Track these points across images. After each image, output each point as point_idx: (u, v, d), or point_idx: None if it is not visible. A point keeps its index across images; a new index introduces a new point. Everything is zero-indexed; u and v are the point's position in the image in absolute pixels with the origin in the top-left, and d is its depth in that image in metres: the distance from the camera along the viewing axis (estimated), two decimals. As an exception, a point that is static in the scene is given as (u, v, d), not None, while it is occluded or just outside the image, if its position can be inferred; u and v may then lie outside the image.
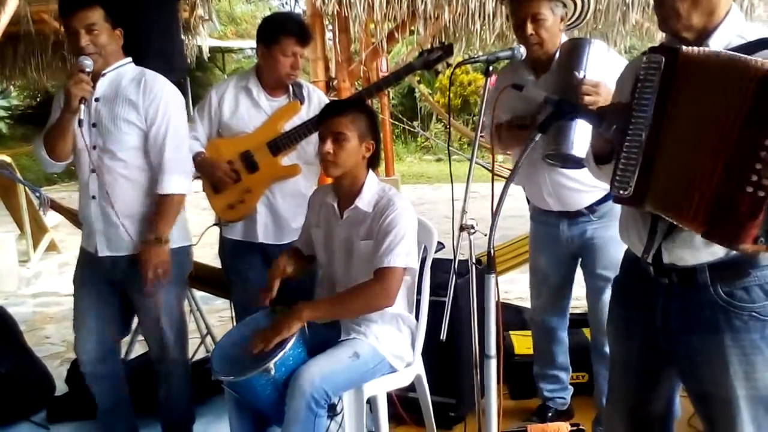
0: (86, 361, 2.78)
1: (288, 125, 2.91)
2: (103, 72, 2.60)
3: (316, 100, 3.00)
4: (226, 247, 3.10)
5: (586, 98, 2.26)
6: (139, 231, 2.61)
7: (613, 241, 2.63)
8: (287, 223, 2.99)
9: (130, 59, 2.68)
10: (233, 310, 3.22)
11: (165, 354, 2.77)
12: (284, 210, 2.99)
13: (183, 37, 4.35)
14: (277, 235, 3.00)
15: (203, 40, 5.89)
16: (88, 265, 2.72)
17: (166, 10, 3.43)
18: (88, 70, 2.46)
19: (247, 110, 2.97)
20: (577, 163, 2.32)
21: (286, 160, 2.94)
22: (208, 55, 6.83)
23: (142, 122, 2.59)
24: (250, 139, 2.94)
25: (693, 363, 1.66)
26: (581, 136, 2.24)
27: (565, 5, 2.55)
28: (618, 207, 2.60)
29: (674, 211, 1.48)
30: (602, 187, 2.57)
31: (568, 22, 2.61)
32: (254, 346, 2.24)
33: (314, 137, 2.89)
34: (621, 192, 1.57)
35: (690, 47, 1.49)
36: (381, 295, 2.32)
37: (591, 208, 2.65)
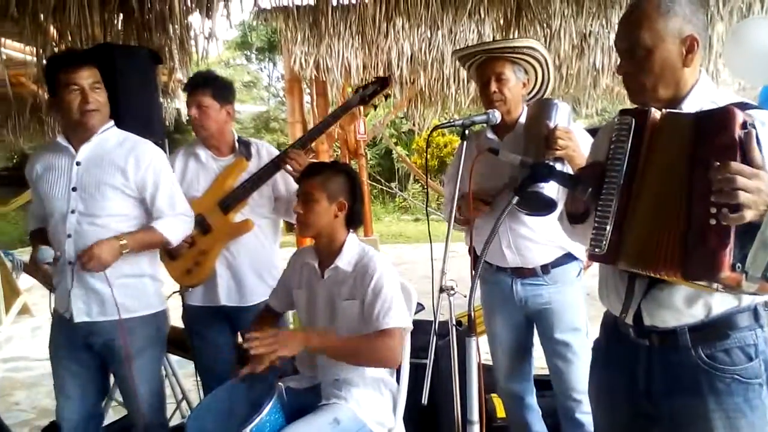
0: (67, 427, 2.70)
1: (237, 183, 2.91)
2: (89, 137, 2.57)
3: (265, 154, 3.00)
4: (189, 313, 3.06)
5: (560, 142, 2.31)
6: (119, 295, 2.54)
7: (569, 305, 2.66)
8: (250, 283, 2.96)
9: (113, 122, 2.67)
10: (199, 375, 3.15)
11: (145, 420, 2.68)
12: (245, 269, 2.96)
13: (162, 100, 4.39)
14: (240, 297, 2.96)
15: (182, 103, 5.94)
16: (64, 330, 2.65)
17: (146, 73, 3.47)
18: (49, 261, 2.51)
19: (196, 174, 2.98)
20: (545, 206, 2.35)
21: (239, 216, 2.92)
22: (187, 117, 6.86)
23: (132, 190, 2.57)
24: (201, 203, 2.91)
25: (677, 426, 1.65)
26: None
27: (526, 72, 2.66)
28: (572, 271, 2.66)
29: (650, 264, 1.51)
30: (557, 244, 2.62)
31: (530, 93, 2.72)
32: (251, 342, 2.15)
33: (266, 190, 2.92)
34: (596, 250, 1.61)
35: (659, 110, 1.57)
36: (388, 355, 2.27)
37: (545, 269, 2.66)
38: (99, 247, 2.45)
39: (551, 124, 2.37)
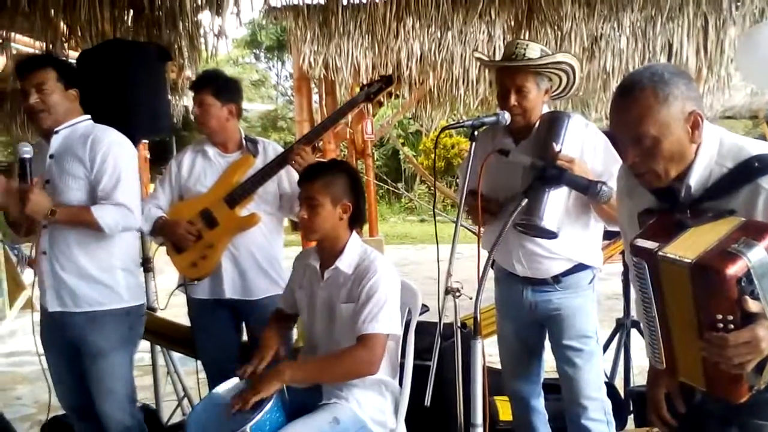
0: (70, 413, 2.78)
1: (243, 178, 2.95)
2: (56, 129, 2.62)
3: (271, 152, 3.04)
4: (194, 307, 3.08)
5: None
6: (87, 287, 2.59)
7: (580, 311, 2.62)
8: (253, 277, 2.99)
9: (87, 117, 2.70)
10: (204, 369, 3.16)
11: (115, 422, 2.66)
12: (249, 263, 2.99)
13: (170, 97, 4.38)
14: (244, 291, 2.99)
15: (190, 100, 5.93)
16: (47, 324, 2.71)
17: (155, 70, 3.47)
18: (27, 156, 2.47)
19: (203, 169, 3.03)
20: (545, 234, 2.33)
21: (245, 211, 2.95)
22: (193, 115, 6.83)
23: (90, 175, 2.58)
24: (207, 197, 2.97)
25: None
26: (552, 209, 2.26)
27: (550, 79, 2.57)
28: (584, 279, 2.63)
29: (698, 383, 1.59)
30: (567, 257, 2.58)
31: (553, 94, 2.64)
32: (233, 406, 2.17)
33: (271, 185, 2.96)
34: (658, 365, 1.66)
35: (662, 249, 1.54)
36: (365, 362, 2.27)
37: (557, 278, 2.61)
38: (37, 196, 2.45)
39: (557, 147, 2.32)
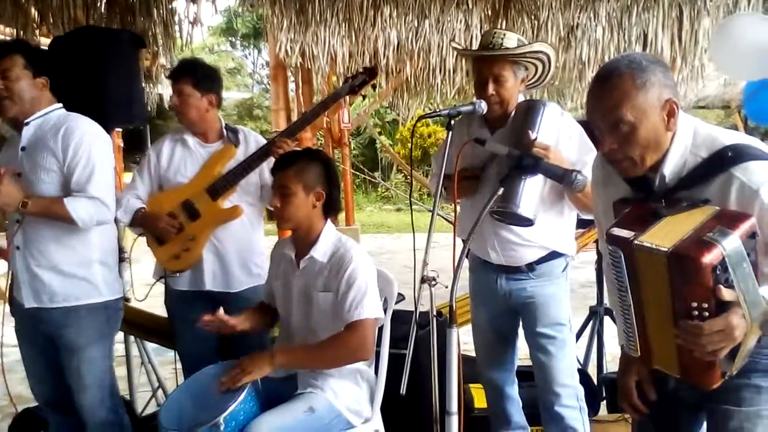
0: (44, 406, 2.75)
1: (225, 169, 2.93)
2: (27, 120, 2.55)
3: (252, 141, 3.02)
4: (173, 297, 3.06)
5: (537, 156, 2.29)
6: (63, 283, 2.55)
7: (554, 299, 2.65)
8: (235, 269, 2.97)
9: (59, 105, 2.63)
10: (181, 360, 3.14)
11: (94, 416, 2.64)
12: (231, 255, 2.97)
13: (144, 84, 4.33)
14: (225, 283, 2.98)
15: (164, 88, 5.87)
16: (20, 317, 2.65)
17: (128, 58, 3.43)
18: None
19: (183, 159, 2.99)
20: (521, 221, 2.35)
21: (227, 203, 2.94)
22: (169, 103, 6.77)
23: (63, 166, 2.51)
24: (188, 188, 2.94)
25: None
26: (529, 196, 2.28)
27: (526, 68, 2.59)
28: (557, 267, 2.66)
29: (673, 370, 1.62)
30: (541, 244, 2.61)
31: (528, 83, 2.66)
32: (221, 384, 2.19)
33: (254, 177, 2.94)
34: (632, 353, 1.69)
35: (638, 238, 1.55)
36: (358, 348, 2.29)
37: (531, 266, 2.64)
38: (6, 187, 2.41)
39: (533, 134, 2.34)
